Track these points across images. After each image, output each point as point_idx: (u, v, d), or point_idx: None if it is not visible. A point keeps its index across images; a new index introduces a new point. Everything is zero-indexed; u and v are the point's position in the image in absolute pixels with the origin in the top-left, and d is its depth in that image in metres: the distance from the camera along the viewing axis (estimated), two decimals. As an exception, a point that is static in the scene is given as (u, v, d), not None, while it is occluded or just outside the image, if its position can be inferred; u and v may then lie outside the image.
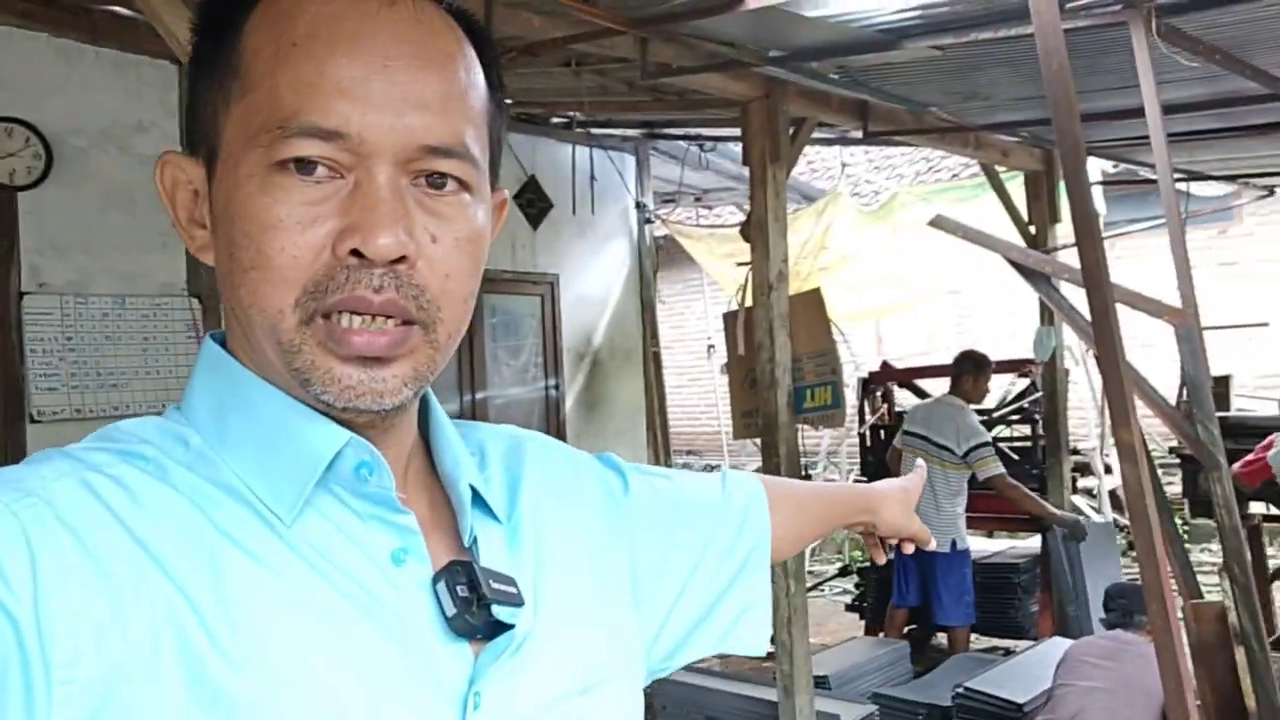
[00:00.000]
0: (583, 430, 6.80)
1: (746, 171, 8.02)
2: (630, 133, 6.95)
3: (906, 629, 5.64)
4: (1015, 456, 6.04)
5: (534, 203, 6.57)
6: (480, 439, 0.80)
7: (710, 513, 0.93)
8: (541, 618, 0.72)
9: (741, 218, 9.76)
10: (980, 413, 6.50)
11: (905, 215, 6.30)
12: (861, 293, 7.30)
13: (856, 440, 7.02)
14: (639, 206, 7.28)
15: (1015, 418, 6.10)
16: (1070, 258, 5.33)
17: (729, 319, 4.34)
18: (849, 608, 6.58)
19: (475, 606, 0.65)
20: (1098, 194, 6.34)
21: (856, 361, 9.58)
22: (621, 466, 0.89)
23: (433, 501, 0.72)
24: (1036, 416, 5.76)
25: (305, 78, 0.61)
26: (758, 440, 4.06)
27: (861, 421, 6.55)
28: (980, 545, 6.29)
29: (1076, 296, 2.70)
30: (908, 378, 6.36)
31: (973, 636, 5.91)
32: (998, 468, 5.14)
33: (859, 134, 4.66)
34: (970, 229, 2.74)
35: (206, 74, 0.66)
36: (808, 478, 7.75)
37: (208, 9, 0.67)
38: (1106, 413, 7.72)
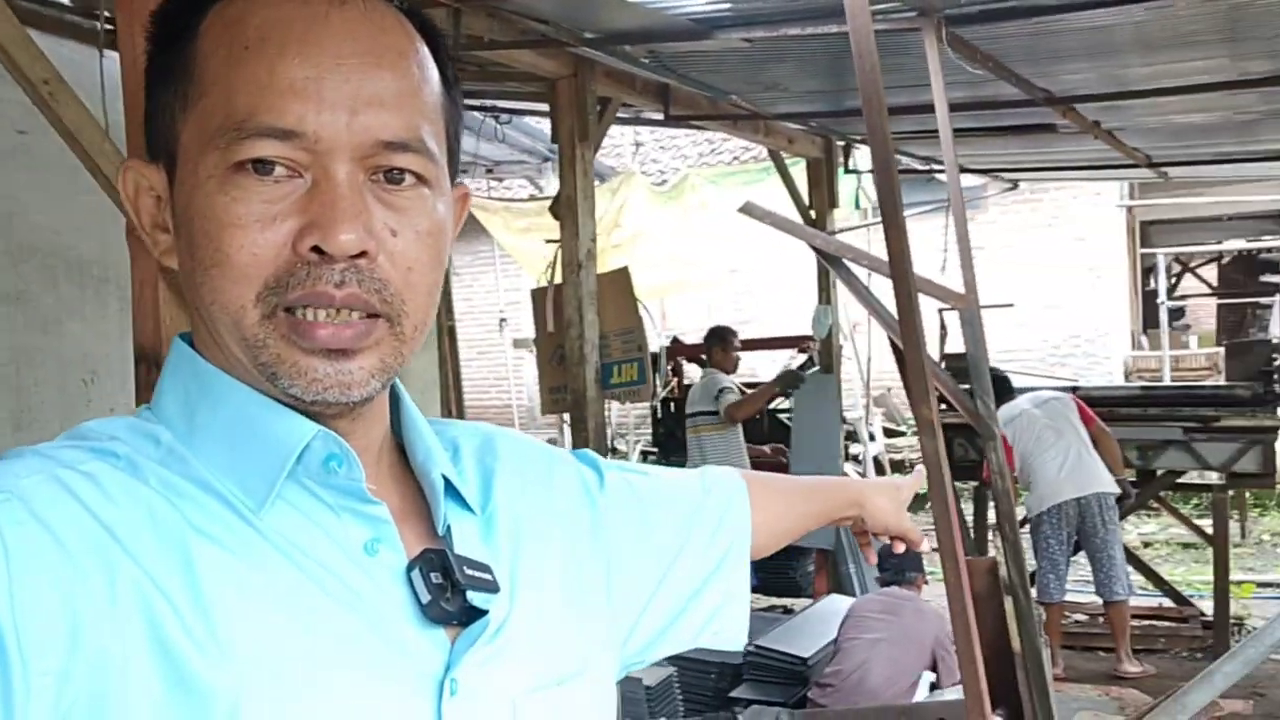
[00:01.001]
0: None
1: (541, 146, 8.04)
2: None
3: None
4: (790, 424, 6.44)
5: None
6: (454, 434, 0.81)
7: (688, 509, 0.94)
8: (519, 607, 0.73)
9: (533, 191, 9.79)
10: (752, 387, 6.92)
11: (694, 197, 6.53)
12: (652, 271, 7.51)
13: (648, 412, 7.24)
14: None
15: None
16: (848, 239, 5.72)
17: (537, 295, 4.37)
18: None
19: (450, 593, 0.66)
20: (867, 182, 6.81)
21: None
22: (598, 462, 0.91)
23: (406, 493, 0.73)
24: (813, 390, 6.15)
25: (258, 79, 0.62)
26: (566, 415, 4.13)
27: (653, 395, 6.77)
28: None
29: (864, 278, 2.95)
30: (695, 353, 6.63)
31: (755, 597, 6.27)
32: (733, 397, 5.61)
33: (660, 116, 4.78)
34: (779, 216, 2.91)
35: (163, 81, 0.67)
36: (614, 451, 7.94)
37: (161, 18, 0.68)
38: (871, 386, 8.34)
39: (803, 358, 6.47)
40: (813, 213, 5.90)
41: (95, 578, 0.57)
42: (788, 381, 5.80)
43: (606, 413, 4.41)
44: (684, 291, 8.62)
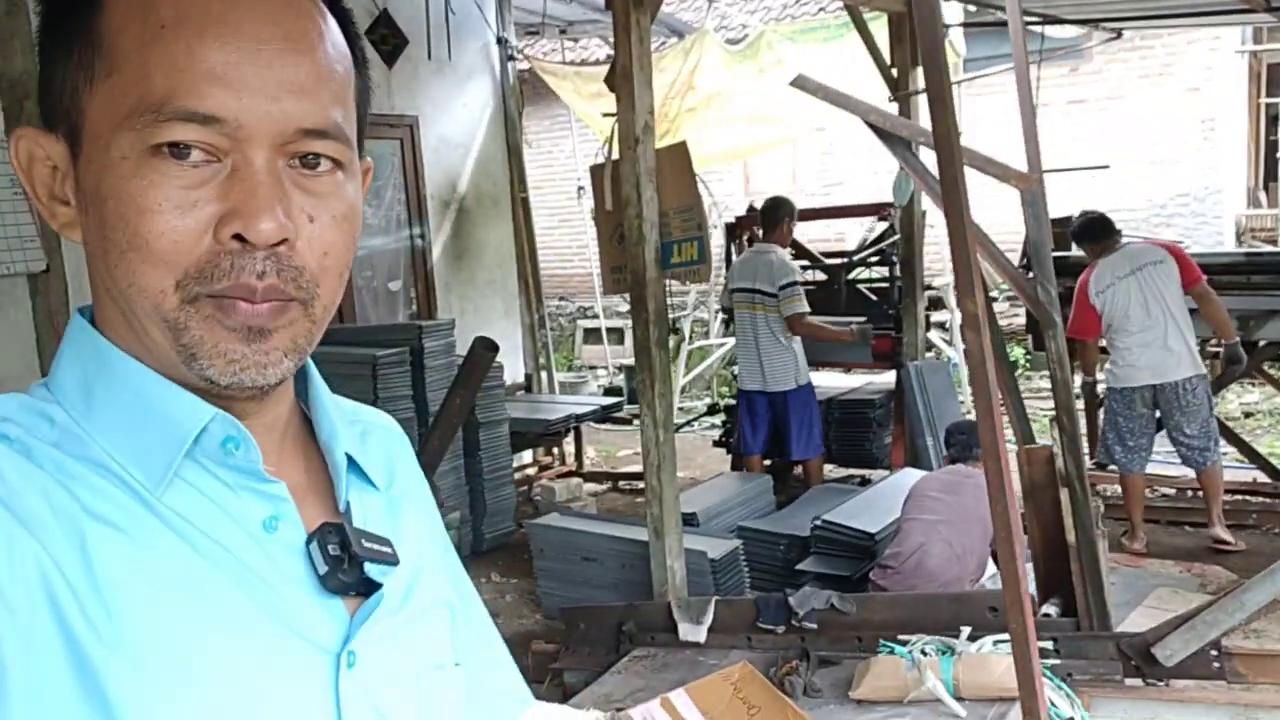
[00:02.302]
0: (452, 280, 6.70)
1: (612, 7, 7.72)
2: (490, -39, 6.59)
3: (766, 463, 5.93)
4: (874, 298, 6.27)
5: (387, 39, 6.21)
6: (365, 416, 0.84)
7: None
8: (422, 584, 0.75)
9: (609, 52, 9.47)
10: (837, 254, 6.71)
11: (770, 55, 6.22)
12: (729, 132, 7.26)
13: (709, 289, 7.13)
14: (500, 42, 6.97)
15: (874, 259, 6.29)
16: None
17: (595, 172, 4.26)
18: (716, 443, 6.86)
19: (347, 565, 0.67)
20: (958, 36, 6.38)
21: (722, 206, 9.64)
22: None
23: (309, 468, 0.74)
24: (894, 259, 5.95)
25: (177, 62, 0.61)
26: (626, 295, 4.08)
27: (728, 266, 6.65)
28: (838, 381, 6.59)
29: (932, 158, 2.77)
30: (751, 225, 6.44)
31: (831, 468, 6.27)
32: (800, 307, 5.35)
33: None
34: (831, 90, 2.74)
35: (62, 47, 0.65)
36: (676, 331, 7.87)
37: None
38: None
39: (882, 226, 6.24)
40: (894, 70, 5.57)
41: (9, 550, 0.57)
42: (864, 337, 5.57)
43: (670, 292, 4.34)
44: (763, 151, 8.33)
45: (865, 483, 5.97)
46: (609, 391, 8.53)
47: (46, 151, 0.67)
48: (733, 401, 6.79)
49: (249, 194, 0.62)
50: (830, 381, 6.68)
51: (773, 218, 5.59)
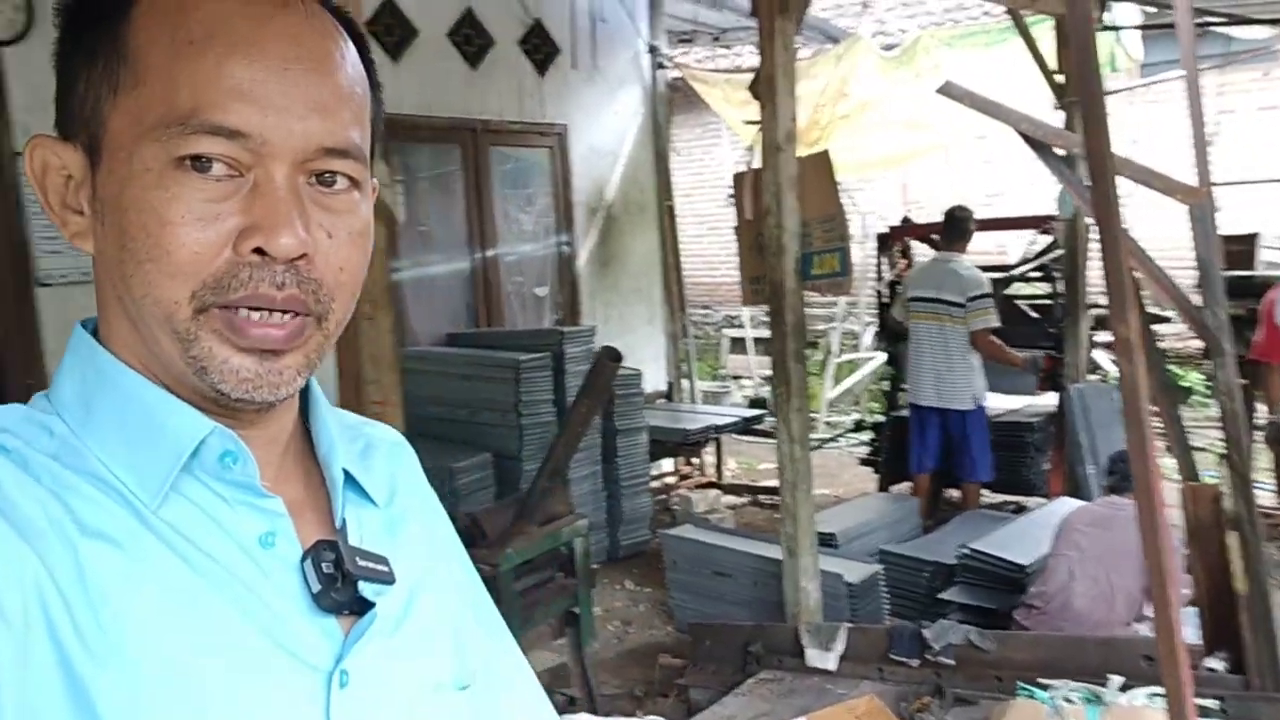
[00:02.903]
0: (596, 287, 6.75)
1: (765, 13, 7.63)
2: (643, -30, 6.61)
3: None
4: (1034, 315, 5.94)
5: (539, 48, 6.32)
6: (369, 431, 0.84)
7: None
8: (422, 604, 0.74)
9: (762, 59, 9.37)
10: (998, 268, 6.40)
11: (927, 60, 5.99)
12: (883, 139, 7.05)
13: (874, 297, 6.93)
14: (651, 50, 6.98)
15: (1036, 275, 5.96)
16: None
17: (738, 180, 4.20)
18: (863, 461, 6.65)
19: (340, 583, 0.67)
20: (1134, 39, 5.98)
21: (877, 215, 9.38)
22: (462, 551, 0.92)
23: (309, 484, 0.74)
24: (1056, 275, 5.62)
25: (205, 77, 0.62)
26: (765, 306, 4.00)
27: (879, 278, 6.44)
28: (995, 402, 6.28)
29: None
30: (925, 233, 6.19)
31: (983, 493, 5.98)
32: (990, 320, 5.14)
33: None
34: (979, 97, 2.58)
35: (84, 58, 0.66)
36: (813, 345, 7.68)
37: None
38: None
39: (1045, 239, 5.90)
40: (1059, 77, 5.27)
41: (10, 570, 0.57)
42: (1035, 369, 5.39)
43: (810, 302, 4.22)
44: (919, 158, 8.04)
45: (1020, 510, 5.66)
46: (753, 403, 8.41)
47: (62, 160, 0.67)
48: (881, 419, 6.58)
49: (271, 209, 0.63)
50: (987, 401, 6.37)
51: (958, 226, 5.34)
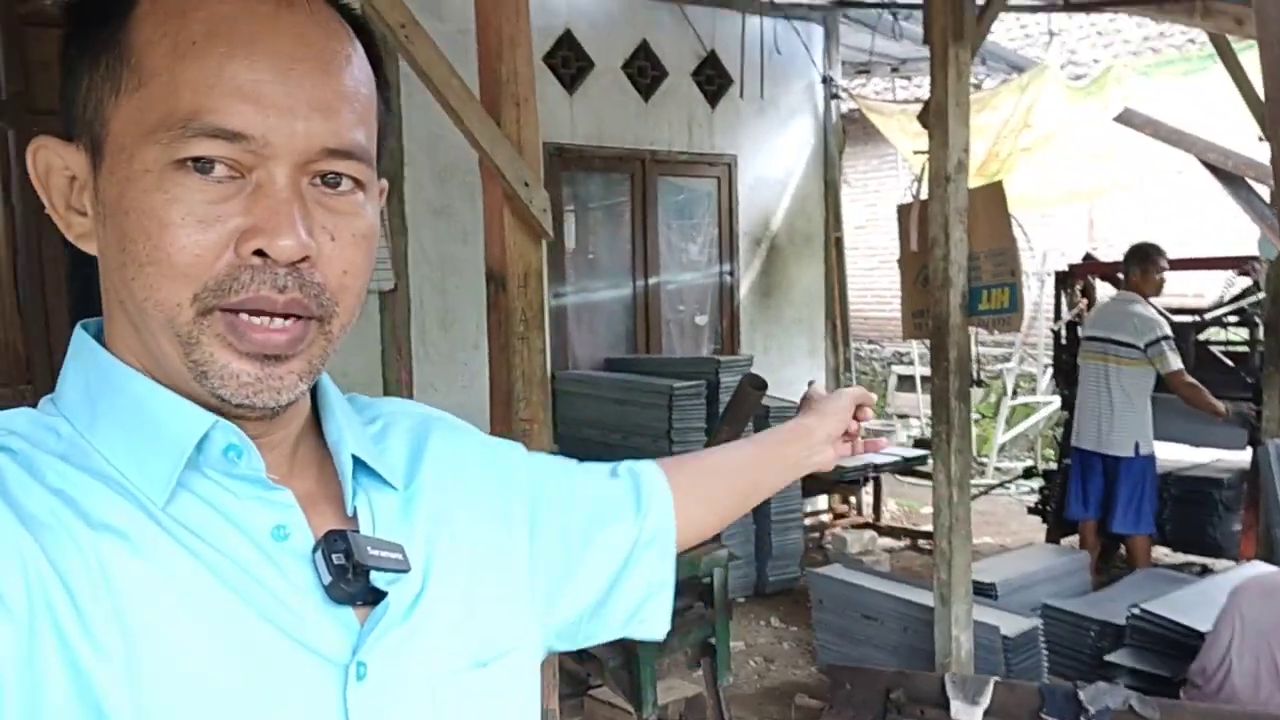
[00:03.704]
0: (757, 318, 6.71)
1: (945, 42, 7.43)
2: (818, 1, 6.56)
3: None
4: (1230, 363, 5.51)
5: (712, 79, 6.37)
6: (388, 411, 0.83)
7: (607, 499, 0.94)
8: (436, 587, 0.73)
9: (942, 91, 9.12)
10: (1190, 311, 5.97)
11: (1118, 91, 5.67)
12: (1069, 173, 6.72)
13: (1051, 338, 6.59)
14: (825, 81, 6.91)
15: (1233, 319, 5.53)
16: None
17: (903, 211, 4.08)
18: (1031, 510, 6.32)
19: (352, 574, 0.66)
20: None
21: (1060, 251, 8.93)
22: (524, 451, 0.91)
23: (323, 476, 0.73)
24: (1256, 320, 5.19)
25: (207, 78, 0.61)
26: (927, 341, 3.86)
27: (1057, 317, 6.12)
28: (1182, 455, 5.84)
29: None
30: (1110, 271, 5.84)
31: (1164, 552, 5.57)
32: (1176, 363, 4.83)
33: (1058, 1, 4.18)
34: (1162, 125, 2.42)
35: (89, 56, 0.65)
36: (979, 383, 7.36)
37: None
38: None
39: (1245, 281, 5.47)
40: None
41: (12, 558, 0.57)
42: (1240, 421, 5.01)
43: (978, 341, 4.05)
44: (1105, 195, 7.61)
45: (1205, 572, 5.23)
46: (918, 443, 8.13)
47: (65, 161, 0.67)
48: (1053, 466, 6.24)
49: (272, 211, 0.62)
50: (1170, 454, 5.94)
51: (1136, 264, 5.06)
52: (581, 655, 3.32)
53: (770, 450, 1.11)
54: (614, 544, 0.92)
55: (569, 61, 5.78)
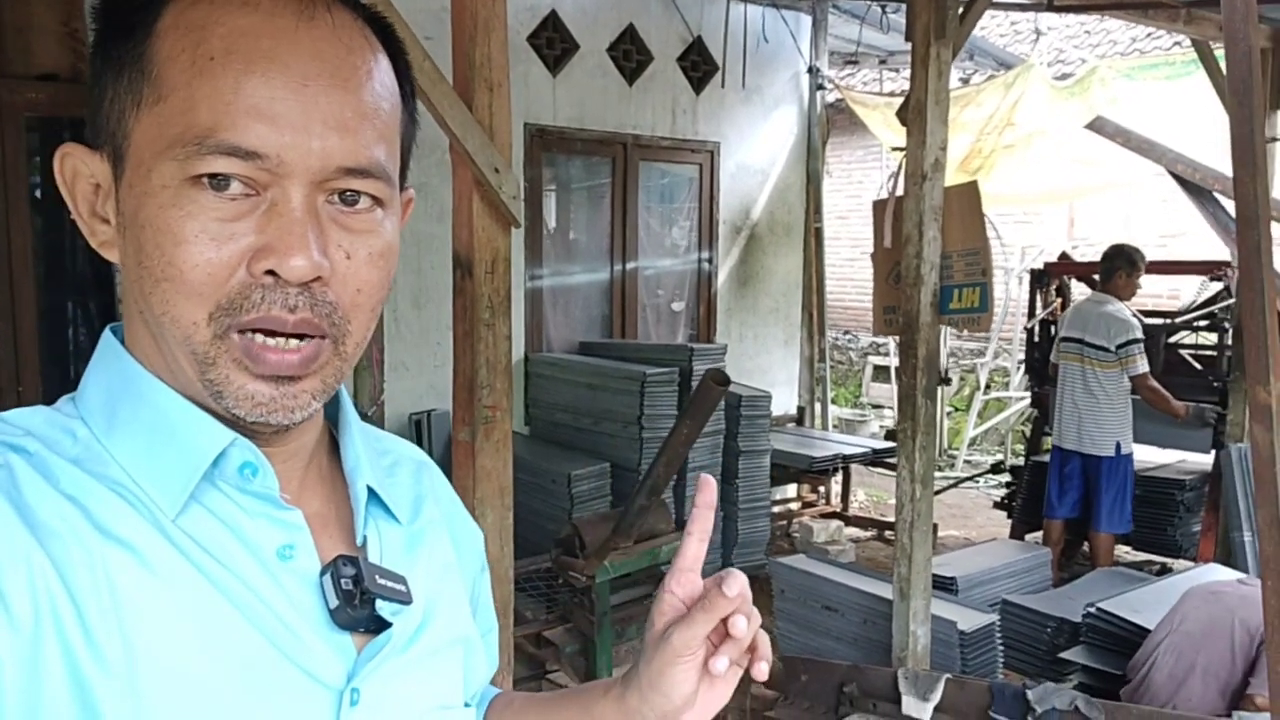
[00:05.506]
0: (734, 306, 6.71)
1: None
2: (808, -10, 6.54)
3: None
4: (1198, 366, 5.56)
5: (698, 65, 6.34)
6: (399, 449, 0.84)
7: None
8: (435, 624, 0.74)
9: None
10: (1162, 314, 6.02)
11: (1103, 93, 5.69)
12: (1051, 173, 6.74)
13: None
14: (811, 71, 6.90)
15: (1203, 324, 5.58)
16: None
17: (878, 207, 4.08)
18: (997, 505, 6.37)
19: (358, 600, 0.66)
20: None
21: (1039, 249, 8.98)
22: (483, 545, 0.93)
23: (332, 498, 0.74)
24: (1226, 325, 5.24)
25: (223, 95, 0.61)
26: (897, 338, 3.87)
27: (1031, 315, 6.16)
28: (1146, 455, 5.91)
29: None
30: (1084, 271, 5.88)
31: (1125, 550, 5.63)
32: (1143, 366, 4.89)
33: (1043, 2, 4.19)
34: (1133, 135, 2.43)
35: (113, 68, 0.66)
36: (946, 381, 7.42)
37: (112, 6, 0.66)
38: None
39: (1216, 287, 5.52)
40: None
41: (20, 565, 0.57)
42: (1199, 421, 5.13)
43: (947, 338, 4.06)
44: (1085, 197, 7.65)
45: (1164, 572, 5.30)
46: (889, 434, 8.18)
47: (90, 169, 0.68)
48: (1020, 462, 6.30)
49: (285, 230, 0.62)
50: (1136, 455, 6.02)
51: (1109, 266, 5.09)
52: (539, 641, 3.34)
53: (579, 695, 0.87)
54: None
55: (553, 42, 5.74)
